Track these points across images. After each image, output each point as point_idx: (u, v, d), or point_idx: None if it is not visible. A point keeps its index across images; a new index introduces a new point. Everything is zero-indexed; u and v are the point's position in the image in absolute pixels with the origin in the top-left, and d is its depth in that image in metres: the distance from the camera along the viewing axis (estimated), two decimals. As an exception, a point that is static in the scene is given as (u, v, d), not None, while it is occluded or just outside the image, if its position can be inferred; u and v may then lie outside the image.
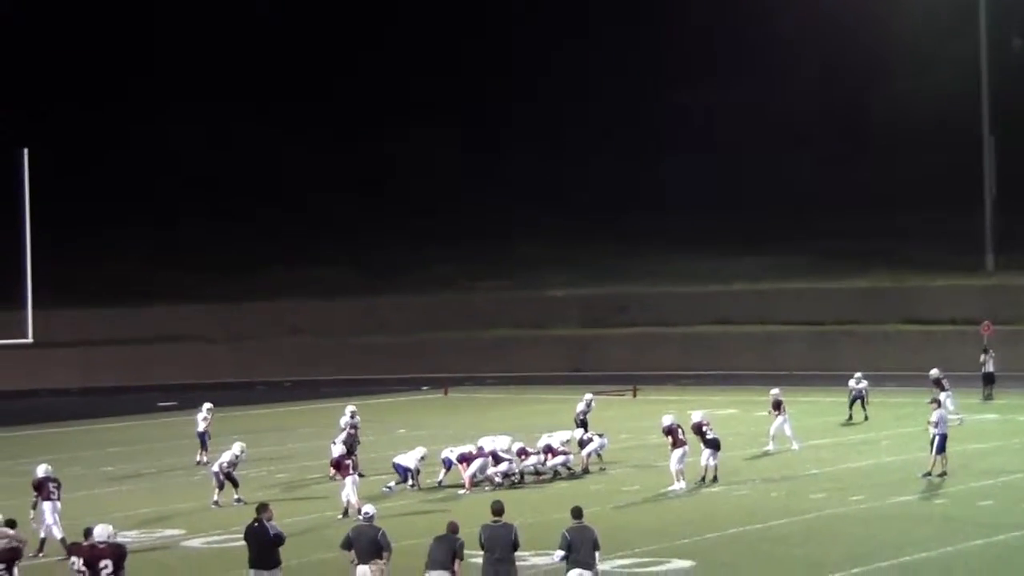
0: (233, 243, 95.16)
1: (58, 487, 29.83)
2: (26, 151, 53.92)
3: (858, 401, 48.66)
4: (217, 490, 34.98)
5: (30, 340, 55.58)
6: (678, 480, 35.03)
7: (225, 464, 35.19)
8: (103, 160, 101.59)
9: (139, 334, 79.75)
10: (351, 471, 33.03)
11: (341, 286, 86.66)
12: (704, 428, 36.38)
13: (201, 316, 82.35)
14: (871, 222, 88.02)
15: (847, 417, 48.53)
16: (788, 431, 42.02)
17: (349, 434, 39.46)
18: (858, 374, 49.30)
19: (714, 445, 36.19)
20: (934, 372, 47.65)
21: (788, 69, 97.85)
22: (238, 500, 34.65)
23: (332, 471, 34.49)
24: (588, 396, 43.72)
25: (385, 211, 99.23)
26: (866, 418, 48.11)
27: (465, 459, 36.44)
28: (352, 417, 40.96)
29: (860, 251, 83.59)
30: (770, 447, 41.59)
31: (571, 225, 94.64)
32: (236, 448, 35.65)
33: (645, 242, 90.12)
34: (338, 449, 35.72)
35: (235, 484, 35.18)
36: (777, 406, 42.28)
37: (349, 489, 32.56)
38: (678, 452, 35.30)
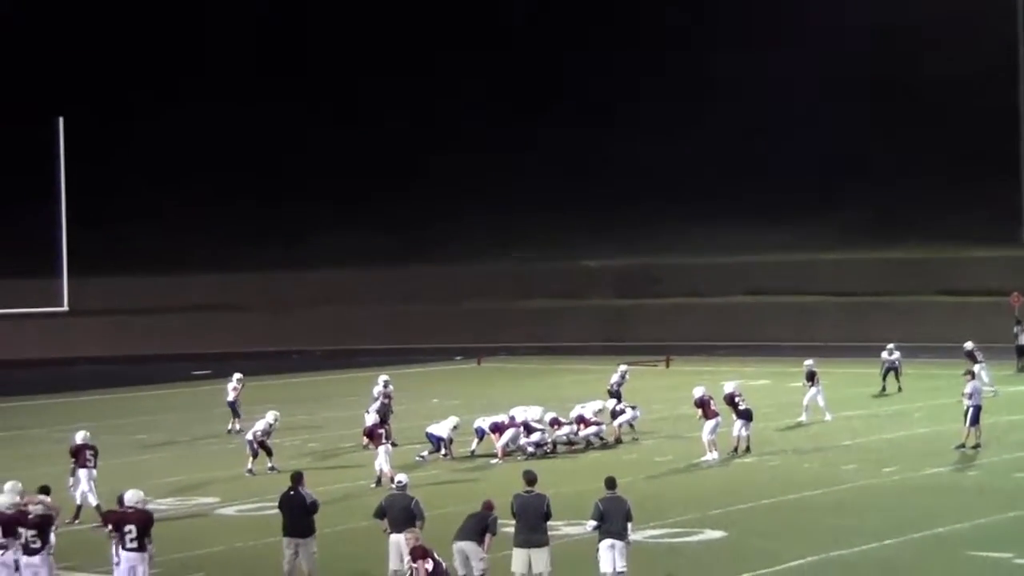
0: (269, 212, 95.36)
1: (95, 454, 30.03)
2: (61, 120, 54.14)
3: (891, 372, 48.58)
4: (251, 458, 35.19)
5: (66, 308, 56.01)
6: (711, 451, 35.07)
7: (259, 432, 35.38)
8: (140, 128, 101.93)
9: (174, 303, 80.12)
10: (384, 440, 33.16)
11: (376, 256, 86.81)
12: (736, 399, 36.37)
13: (237, 285, 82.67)
14: (905, 193, 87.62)
15: (880, 388, 48.44)
16: (821, 402, 42.00)
17: (383, 403, 39.60)
18: (890, 345, 49.19)
19: (746, 416, 36.19)
20: (968, 344, 47.55)
21: (824, 40, 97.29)
22: (272, 468, 34.85)
23: (365, 440, 34.59)
24: (622, 368, 43.66)
25: (419, 182, 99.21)
26: (900, 389, 48.03)
27: (497, 428, 36.56)
28: (385, 386, 41.07)
29: (894, 222, 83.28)
30: (803, 418, 41.58)
31: (604, 196, 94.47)
32: (269, 416, 35.86)
33: (677, 213, 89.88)
34: (371, 418, 35.85)
35: (269, 452, 35.36)
36: (811, 377, 42.24)
37: (382, 458, 32.71)
38: (710, 423, 35.35)
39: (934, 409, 43.43)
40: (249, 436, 35.70)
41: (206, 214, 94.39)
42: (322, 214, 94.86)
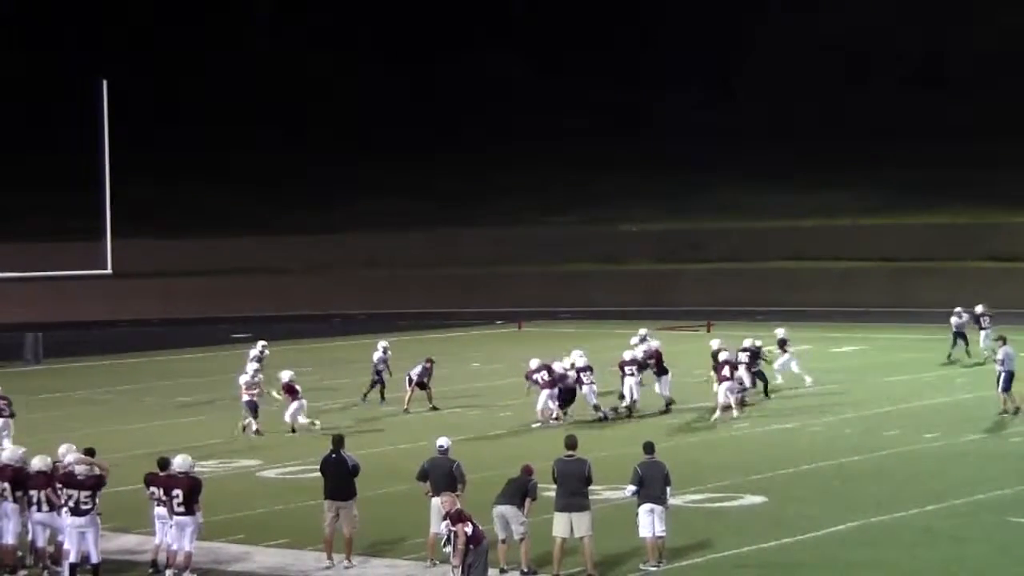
0: (310, 175, 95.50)
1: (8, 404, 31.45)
2: (105, 83, 54.17)
3: (961, 339, 47.23)
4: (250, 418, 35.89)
5: (109, 271, 56.18)
6: (727, 410, 35.69)
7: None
8: (180, 90, 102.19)
9: (217, 266, 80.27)
10: (299, 397, 35.36)
11: (416, 219, 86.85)
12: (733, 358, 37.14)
13: (278, 248, 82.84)
14: (949, 158, 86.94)
15: (965, 352, 46.69)
16: (796, 368, 41.38)
17: (424, 368, 39.42)
18: (958, 309, 47.64)
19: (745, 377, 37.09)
20: (978, 308, 47.15)
21: (870, 5, 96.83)
22: (256, 431, 35.65)
23: (283, 395, 35.79)
24: (643, 331, 42.50)
25: (459, 145, 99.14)
26: (968, 355, 46.70)
27: (546, 369, 36.37)
28: (384, 352, 41.03)
29: (939, 184, 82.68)
30: (779, 380, 41.03)
31: (645, 159, 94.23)
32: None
33: (719, 177, 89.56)
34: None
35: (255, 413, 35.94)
36: (782, 344, 41.58)
37: (292, 410, 35.08)
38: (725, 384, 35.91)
39: (977, 374, 43.17)
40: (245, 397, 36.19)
41: (247, 177, 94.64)
42: (362, 177, 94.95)
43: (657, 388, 38.02)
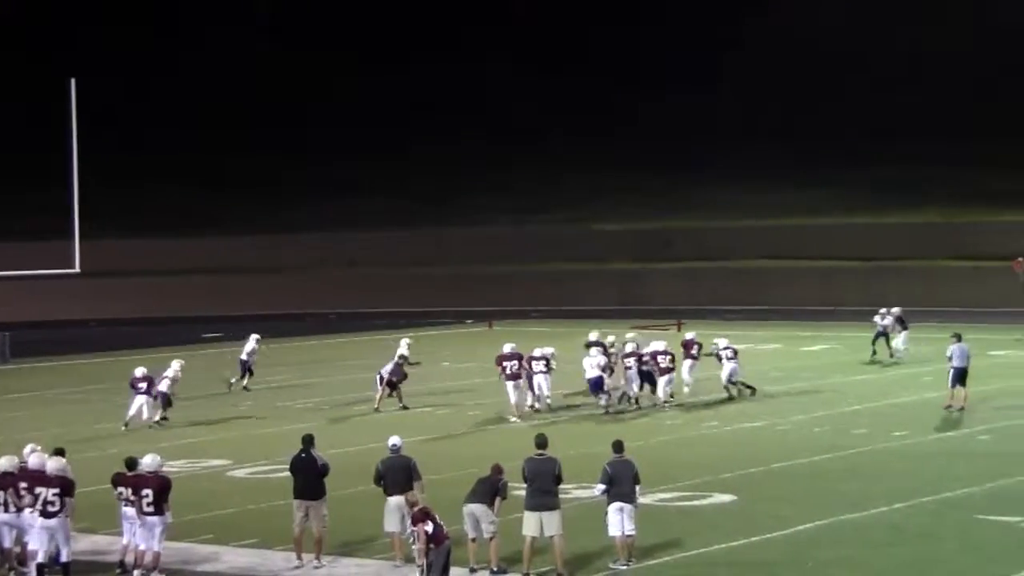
0: (284, 174, 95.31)
1: None
2: (73, 81, 54.06)
3: (882, 338, 47.66)
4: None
5: (77, 270, 56.00)
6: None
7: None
8: (151, 89, 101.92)
9: (189, 265, 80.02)
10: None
11: (390, 219, 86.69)
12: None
13: (251, 247, 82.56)
14: (949, 155, 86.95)
15: (871, 353, 47.52)
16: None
17: (396, 366, 39.27)
18: (883, 310, 48.26)
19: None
20: (895, 310, 47.34)
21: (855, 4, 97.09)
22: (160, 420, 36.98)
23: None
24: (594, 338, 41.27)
25: (435, 139, 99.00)
26: (891, 355, 47.17)
27: (514, 358, 36.47)
28: (408, 348, 40.67)
29: (939, 184, 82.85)
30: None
31: (621, 157, 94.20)
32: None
33: (695, 175, 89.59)
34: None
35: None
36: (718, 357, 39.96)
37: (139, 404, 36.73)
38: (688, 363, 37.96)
39: (943, 373, 43.18)
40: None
41: (222, 174, 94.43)
42: (335, 176, 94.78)
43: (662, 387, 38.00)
